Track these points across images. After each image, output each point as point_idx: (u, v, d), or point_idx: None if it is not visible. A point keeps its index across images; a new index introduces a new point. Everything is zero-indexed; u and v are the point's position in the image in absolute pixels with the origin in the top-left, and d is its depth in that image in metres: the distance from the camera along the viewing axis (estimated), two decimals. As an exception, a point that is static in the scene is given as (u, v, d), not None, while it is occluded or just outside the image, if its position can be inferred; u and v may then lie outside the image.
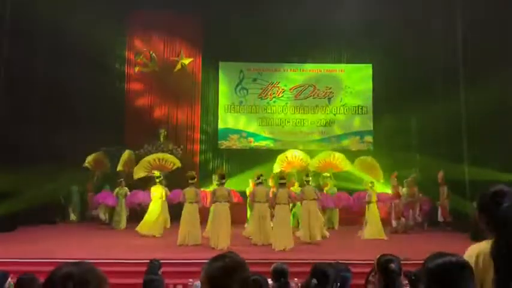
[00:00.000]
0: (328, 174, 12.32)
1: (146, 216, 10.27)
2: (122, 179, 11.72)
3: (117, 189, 11.62)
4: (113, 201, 11.62)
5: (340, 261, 5.28)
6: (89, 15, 11.97)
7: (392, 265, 2.67)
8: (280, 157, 12.68)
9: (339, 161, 12.32)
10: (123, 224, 11.49)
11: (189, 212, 9.00)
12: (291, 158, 12.63)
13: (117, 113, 13.84)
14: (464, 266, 1.62)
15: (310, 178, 9.69)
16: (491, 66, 9.56)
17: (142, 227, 10.05)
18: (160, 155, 12.23)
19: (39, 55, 11.65)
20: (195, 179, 9.54)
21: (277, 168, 12.35)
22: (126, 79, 14.36)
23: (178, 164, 12.06)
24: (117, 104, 13.93)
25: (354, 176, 12.71)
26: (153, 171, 11.59)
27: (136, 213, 11.71)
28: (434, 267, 1.61)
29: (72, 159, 11.90)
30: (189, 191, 9.14)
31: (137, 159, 12.48)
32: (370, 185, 10.53)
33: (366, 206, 10.33)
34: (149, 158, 11.99)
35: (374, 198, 10.33)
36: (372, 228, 10.06)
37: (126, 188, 11.62)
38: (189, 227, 8.88)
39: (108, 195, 11.84)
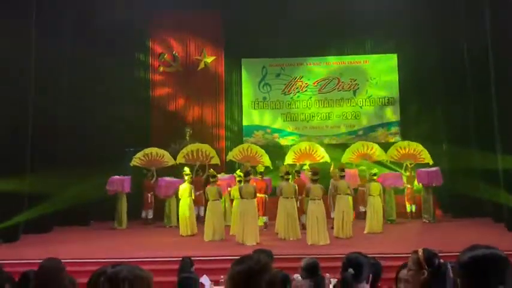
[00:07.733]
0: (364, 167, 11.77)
1: (180, 219, 10.27)
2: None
3: None
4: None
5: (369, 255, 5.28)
6: (110, 22, 12.21)
7: (441, 260, 2.56)
8: (293, 148, 12.61)
9: (373, 151, 12.09)
10: (125, 223, 11.43)
11: (212, 209, 9.37)
12: (305, 151, 12.45)
13: (143, 114, 14.03)
14: (498, 258, 1.56)
15: (344, 173, 9.59)
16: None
17: (182, 230, 10.05)
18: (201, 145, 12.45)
19: (65, 64, 11.90)
20: (216, 177, 9.91)
21: (288, 160, 12.29)
22: (150, 81, 14.51)
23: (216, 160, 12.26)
24: (142, 105, 14.14)
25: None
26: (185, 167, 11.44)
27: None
28: (467, 259, 1.57)
29: (101, 161, 12.09)
30: (211, 189, 9.51)
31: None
32: (373, 177, 10.24)
33: (367, 199, 10.11)
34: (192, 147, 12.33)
35: (375, 192, 10.03)
36: (372, 221, 9.85)
37: None
38: (213, 224, 9.26)
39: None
